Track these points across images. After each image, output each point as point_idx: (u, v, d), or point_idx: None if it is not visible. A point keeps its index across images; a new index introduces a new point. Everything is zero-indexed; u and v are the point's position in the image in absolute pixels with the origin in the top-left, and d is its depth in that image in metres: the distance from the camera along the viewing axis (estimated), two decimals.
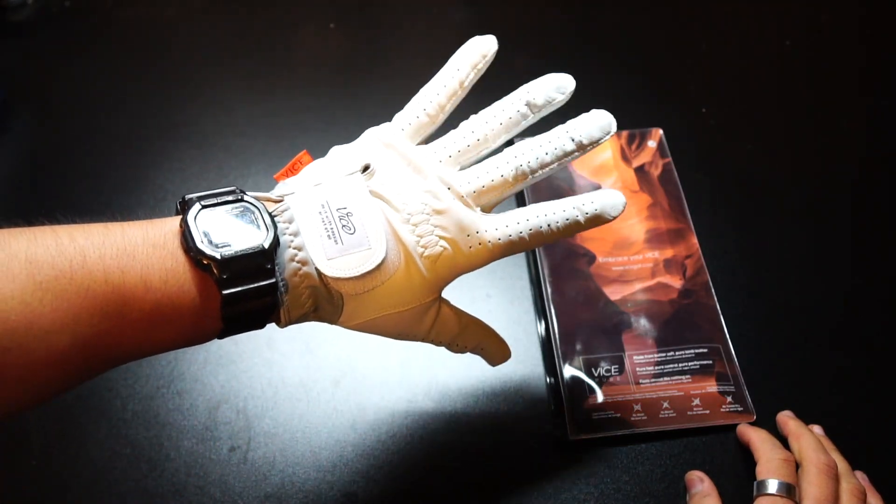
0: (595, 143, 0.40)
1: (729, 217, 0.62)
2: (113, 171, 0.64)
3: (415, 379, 0.53)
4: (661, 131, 0.65)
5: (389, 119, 0.41)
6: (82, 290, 0.31)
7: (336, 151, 0.40)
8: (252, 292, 0.34)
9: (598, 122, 0.40)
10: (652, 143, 0.64)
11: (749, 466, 0.48)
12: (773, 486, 0.45)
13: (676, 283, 0.56)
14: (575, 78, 0.41)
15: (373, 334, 0.40)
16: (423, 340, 0.42)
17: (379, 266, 0.36)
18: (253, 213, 0.35)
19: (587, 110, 0.40)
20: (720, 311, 0.55)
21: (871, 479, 0.48)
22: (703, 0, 0.78)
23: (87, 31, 0.73)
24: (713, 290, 0.56)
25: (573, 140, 0.39)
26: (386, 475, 0.49)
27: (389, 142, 0.40)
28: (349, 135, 0.42)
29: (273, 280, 0.34)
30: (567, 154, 0.40)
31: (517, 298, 0.57)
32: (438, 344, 0.43)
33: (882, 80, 0.72)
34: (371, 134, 0.41)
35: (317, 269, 0.35)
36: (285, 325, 0.37)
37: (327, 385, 0.53)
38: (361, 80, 0.70)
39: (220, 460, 0.49)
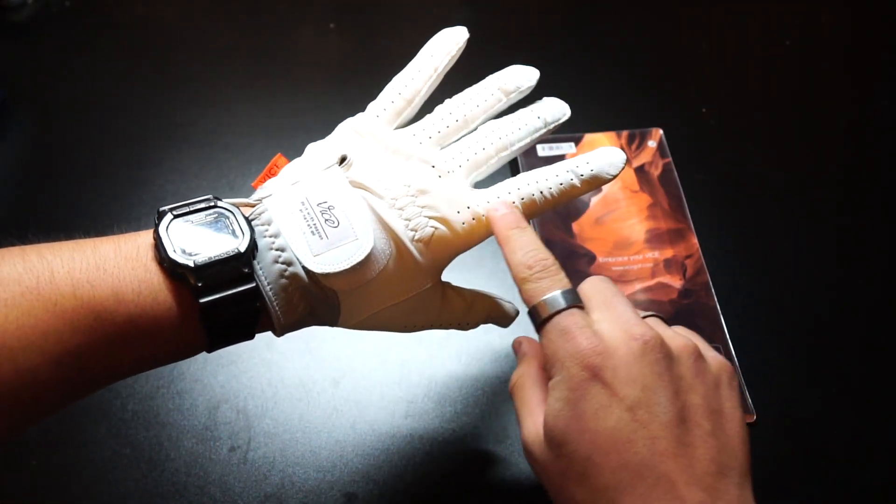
0: (556, 123, 0.42)
1: (729, 217, 0.62)
2: (113, 171, 0.63)
3: (414, 379, 0.53)
4: (661, 131, 0.65)
5: None
6: (50, 305, 0.30)
7: (312, 148, 0.40)
8: (231, 299, 0.33)
9: (557, 106, 0.42)
10: (652, 143, 0.64)
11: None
12: (550, 304, 0.35)
13: (676, 283, 0.57)
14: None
15: (379, 331, 0.39)
16: (431, 328, 0.41)
17: (369, 256, 0.35)
18: (227, 218, 0.34)
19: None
20: (720, 311, 0.55)
21: (872, 479, 0.48)
22: (703, 0, 0.78)
23: (87, 31, 0.73)
24: (713, 290, 0.56)
25: (539, 118, 0.41)
26: (386, 475, 0.49)
27: (364, 129, 0.39)
28: None
29: (253, 285, 0.33)
30: (536, 130, 0.41)
31: (517, 298, 0.57)
32: (448, 327, 0.42)
33: (882, 80, 0.72)
34: (345, 125, 0.40)
35: (304, 267, 0.34)
36: (281, 333, 0.36)
37: (327, 385, 0.53)
38: (361, 81, 0.70)
39: (220, 460, 0.49)
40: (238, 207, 0.35)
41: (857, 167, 0.66)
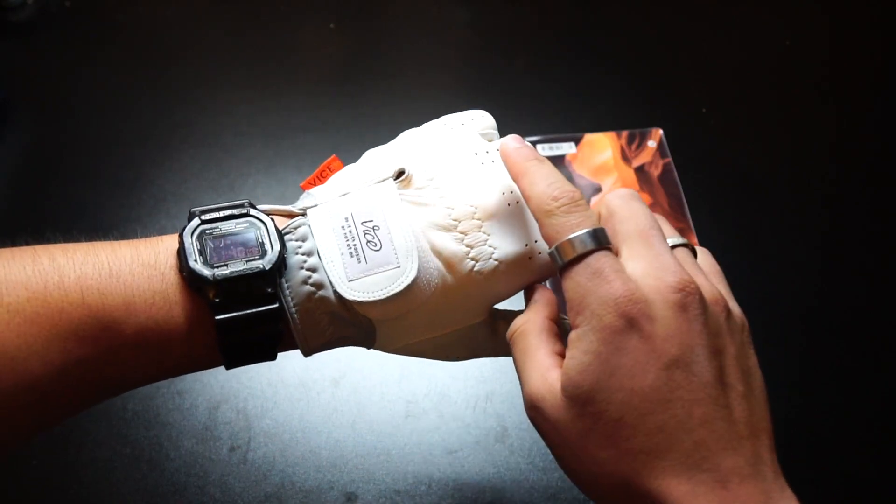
0: None
1: (729, 217, 0.62)
2: (113, 171, 0.64)
3: (414, 379, 0.53)
4: (661, 131, 0.65)
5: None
6: (55, 312, 0.28)
7: (369, 155, 0.36)
8: (250, 319, 0.30)
9: None
10: (652, 143, 0.64)
11: None
12: (580, 243, 0.30)
13: None
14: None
15: (416, 357, 0.36)
16: (476, 357, 0.37)
17: (410, 286, 0.31)
18: (259, 229, 0.31)
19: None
20: None
21: (872, 479, 0.48)
22: (703, 0, 0.78)
23: (87, 30, 0.73)
24: None
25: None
26: (386, 475, 0.49)
27: (449, 130, 0.35)
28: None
29: (275, 306, 0.30)
30: None
31: (517, 298, 0.57)
32: (496, 356, 0.38)
33: (882, 79, 0.72)
34: (409, 134, 0.36)
35: (335, 292, 0.31)
36: (308, 355, 0.33)
37: (327, 385, 0.53)
38: (361, 81, 0.70)
39: (220, 460, 0.49)
40: (272, 218, 0.32)
41: (858, 166, 0.66)
